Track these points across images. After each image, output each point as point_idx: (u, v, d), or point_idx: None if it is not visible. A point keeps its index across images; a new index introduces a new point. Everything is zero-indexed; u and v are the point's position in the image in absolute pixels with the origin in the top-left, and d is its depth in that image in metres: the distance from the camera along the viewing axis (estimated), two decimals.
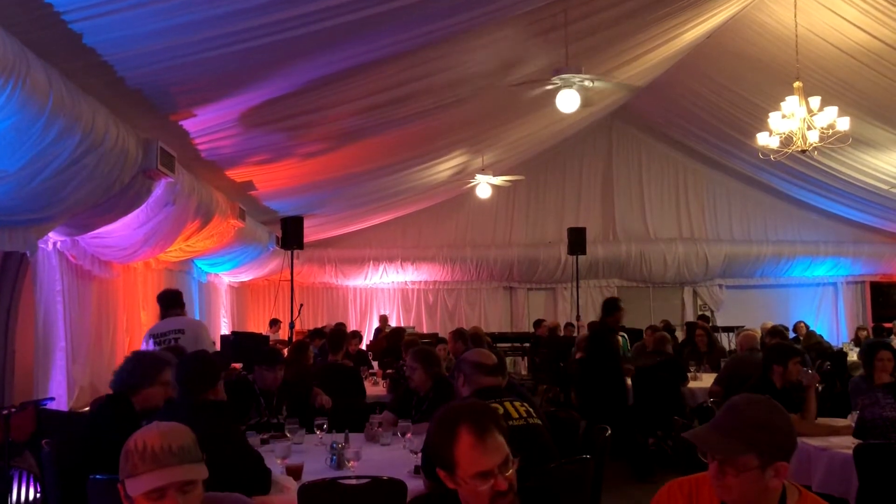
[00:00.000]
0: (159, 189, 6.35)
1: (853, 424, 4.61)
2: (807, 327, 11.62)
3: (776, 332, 8.57)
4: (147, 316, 8.16)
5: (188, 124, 6.21)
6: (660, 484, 2.24)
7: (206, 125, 6.35)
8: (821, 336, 12.04)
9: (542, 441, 3.57)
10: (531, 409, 3.61)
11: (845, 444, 4.32)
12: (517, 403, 3.58)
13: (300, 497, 3.09)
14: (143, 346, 6.16)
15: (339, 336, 6.76)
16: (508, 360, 14.28)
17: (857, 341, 12.25)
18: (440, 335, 13.12)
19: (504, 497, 1.98)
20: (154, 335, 6.00)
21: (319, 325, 12.96)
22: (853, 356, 10.05)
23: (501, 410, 3.43)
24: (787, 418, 2.08)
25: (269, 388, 4.97)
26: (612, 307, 7.56)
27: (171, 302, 6.21)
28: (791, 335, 11.28)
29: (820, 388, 5.67)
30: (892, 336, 11.69)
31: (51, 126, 3.98)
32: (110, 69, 4.55)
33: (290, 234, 10.82)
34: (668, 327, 10.72)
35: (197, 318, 10.55)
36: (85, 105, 4.37)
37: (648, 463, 7.05)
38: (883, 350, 4.99)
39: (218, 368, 3.54)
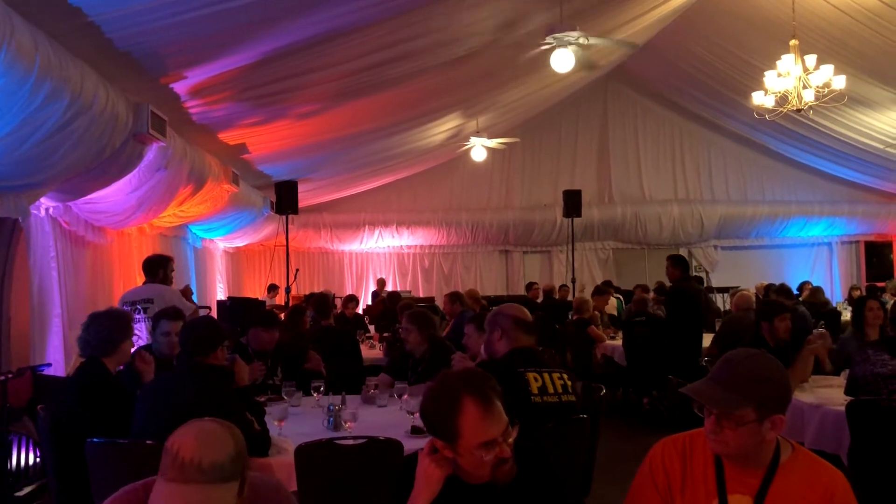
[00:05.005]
0: (151, 153, 6.29)
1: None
2: (811, 288, 11.57)
3: (771, 290, 8.60)
4: (142, 282, 8.15)
5: (179, 87, 6.13)
6: (654, 441, 2.26)
7: (197, 88, 6.28)
8: (825, 296, 11.95)
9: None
10: (567, 383, 3.42)
11: (838, 400, 4.36)
12: (555, 375, 3.40)
13: (297, 457, 3.12)
14: None
15: (324, 302, 6.83)
16: None
17: (850, 300, 12.29)
18: (436, 299, 13.20)
19: (506, 463, 2.00)
20: (125, 302, 6.05)
21: (315, 290, 12.98)
22: (847, 315, 10.10)
23: (540, 382, 3.31)
24: (784, 371, 2.10)
25: (263, 349, 5.04)
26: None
27: (148, 268, 6.24)
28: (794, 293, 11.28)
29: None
30: (885, 294, 11.74)
31: (38, 90, 3.92)
32: (98, 30, 4.47)
33: (285, 199, 10.76)
34: (662, 288, 10.73)
35: (193, 283, 10.56)
36: (73, 68, 4.30)
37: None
38: (870, 300, 5.00)
39: (221, 335, 3.55)
